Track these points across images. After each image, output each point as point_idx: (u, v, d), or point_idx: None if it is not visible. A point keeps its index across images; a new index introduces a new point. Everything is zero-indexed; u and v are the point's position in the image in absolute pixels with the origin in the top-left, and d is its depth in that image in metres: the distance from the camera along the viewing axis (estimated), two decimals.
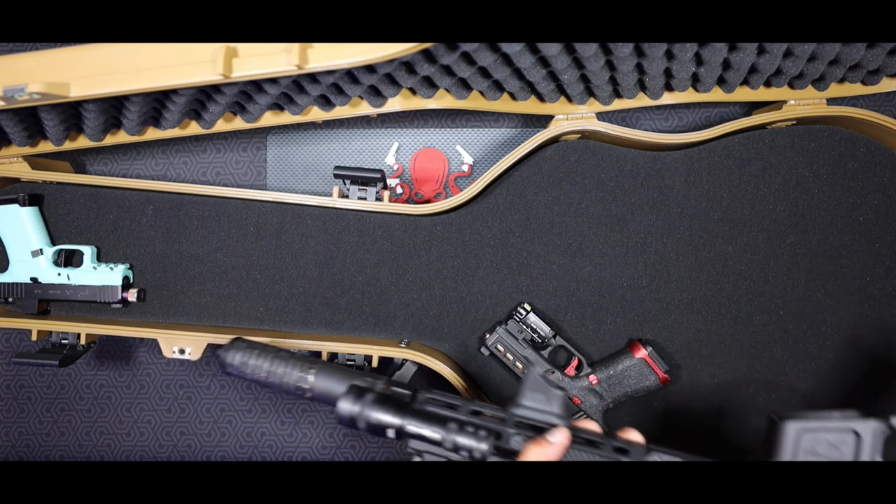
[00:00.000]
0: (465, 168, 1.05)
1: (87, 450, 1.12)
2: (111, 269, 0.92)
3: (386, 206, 0.90)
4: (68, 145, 0.92)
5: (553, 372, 0.87)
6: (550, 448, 0.57)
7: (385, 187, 0.92)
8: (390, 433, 0.63)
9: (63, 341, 0.92)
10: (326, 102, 0.88)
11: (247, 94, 0.83)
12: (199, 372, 1.10)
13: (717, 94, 0.88)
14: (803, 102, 0.86)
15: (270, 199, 0.91)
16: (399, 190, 1.06)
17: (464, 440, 0.60)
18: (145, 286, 0.94)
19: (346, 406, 0.64)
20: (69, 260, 0.95)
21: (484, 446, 0.59)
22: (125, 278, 0.93)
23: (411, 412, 0.63)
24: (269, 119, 0.92)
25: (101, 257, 0.94)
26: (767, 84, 0.86)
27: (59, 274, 0.92)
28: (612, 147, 0.89)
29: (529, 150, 0.88)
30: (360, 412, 0.63)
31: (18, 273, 0.93)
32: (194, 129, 0.92)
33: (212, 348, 1.09)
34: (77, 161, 1.08)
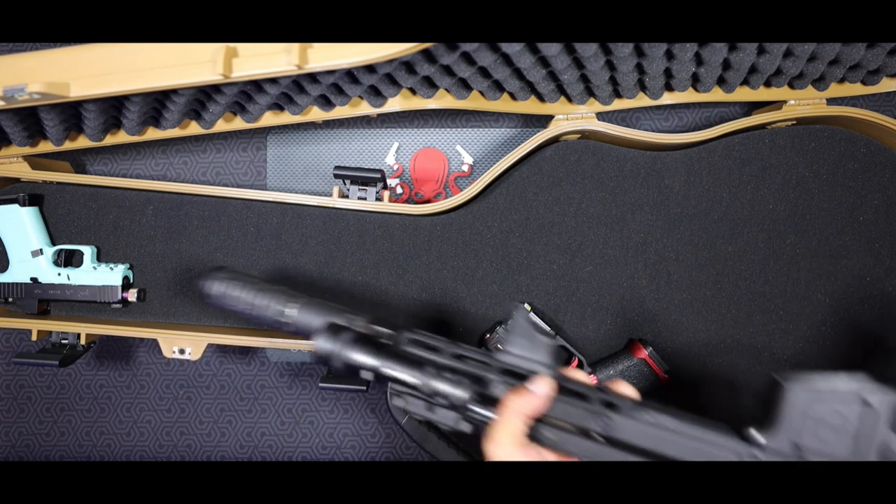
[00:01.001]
0: (465, 168, 1.05)
1: (87, 450, 1.12)
2: (111, 269, 0.92)
3: (386, 206, 0.90)
4: (68, 145, 0.92)
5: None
6: (532, 398, 0.54)
7: (385, 187, 0.92)
8: (366, 375, 0.59)
9: (63, 341, 0.92)
10: (326, 102, 0.88)
11: (247, 94, 0.83)
12: (199, 372, 1.10)
13: (717, 94, 0.88)
14: (803, 102, 0.86)
15: (270, 199, 0.91)
16: (399, 190, 1.06)
17: (441, 386, 0.56)
18: (145, 286, 0.94)
19: (323, 344, 0.60)
20: (69, 260, 0.95)
21: (462, 394, 0.56)
22: (125, 278, 0.93)
23: (389, 354, 0.59)
24: (269, 119, 0.92)
25: (101, 257, 0.94)
26: (767, 84, 0.86)
27: (59, 274, 0.92)
28: (612, 147, 0.89)
29: (529, 150, 0.88)
30: (336, 351, 0.60)
31: (18, 273, 0.93)
32: (194, 129, 0.92)
33: (212, 348, 1.09)
34: (77, 161, 1.08)
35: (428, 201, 1.05)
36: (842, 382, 0.50)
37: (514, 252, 0.90)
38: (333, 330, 0.61)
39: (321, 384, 0.85)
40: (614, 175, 0.88)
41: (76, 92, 0.67)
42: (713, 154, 0.87)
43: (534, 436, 0.56)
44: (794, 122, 0.88)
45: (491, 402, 0.56)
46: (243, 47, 0.64)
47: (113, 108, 0.84)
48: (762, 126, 0.88)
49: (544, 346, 0.57)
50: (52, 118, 0.81)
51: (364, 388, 0.85)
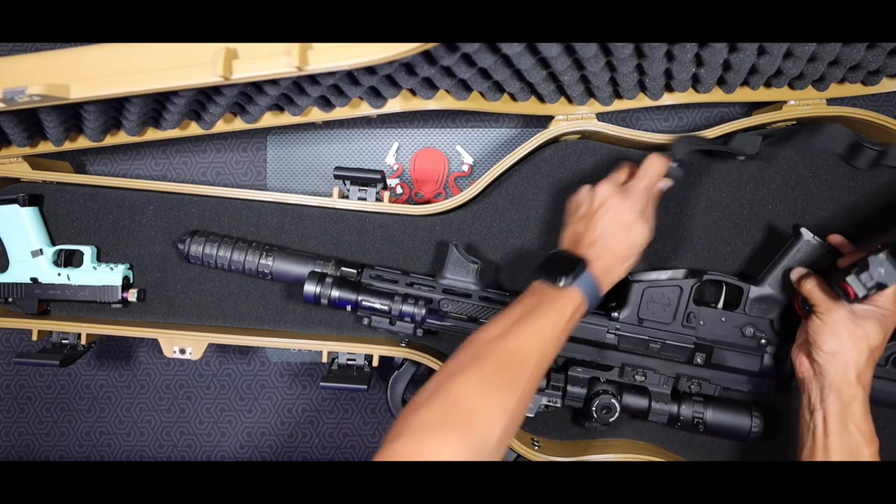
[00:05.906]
0: (465, 168, 1.05)
1: (87, 450, 1.12)
2: (111, 269, 0.92)
3: (386, 206, 0.90)
4: (68, 146, 0.92)
5: None
6: None
7: (385, 188, 0.92)
8: (348, 307, 0.81)
9: (63, 341, 0.92)
10: (326, 103, 0.88)
11: (247, 94, 0.83)
12: (199, 372, 1.10)
13: (717, 95, 0.88)
14: (803, 103, 0.86)
15: (270, 200, 0.91)
16: (399, 190, 1.06)
17: (406, 308, 0.80)
18: (145, 286, 0.94)
19: (311, 288, 0.80)
20: (69, 260, 0.96)
21: (422, 311, 0.80)
22: (125, 278, 0.93)
23: (364, 290, 0.81)
24: (269, 120, 0.92)
25: (101, 257, 0.94)
26: (767, 84, 0.86)
27: (59, 274, 0.92)
28: (612, 147, 0.89)
29: (529, 151, 0.88)
30: (323, 292, 0.80)
31: (18, 273, 0.93)
32: (194, 129, 0.92)
33: (212, 348, 1.09)
34: (77, 161, 1.08)
35: (428, 201, 1.05)
36: (665, 275, 0.80)
37: (514, 252, 0.90)
38: (317, 277, 0.81)
39: (321, 384, 0.85)
40: None
41: (76, 94, 0.67)
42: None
43: None
44: (794, 123, 0.88)
45: (441, 314, 0.82)
46: (243, 49, 0.64)
47: (113, 109, 0.84)
48: (762, 126, 0.88)
49: (474, 270, 0.83)
50: (52, 119, 0.81)
51: (364, 387, 0.85)
